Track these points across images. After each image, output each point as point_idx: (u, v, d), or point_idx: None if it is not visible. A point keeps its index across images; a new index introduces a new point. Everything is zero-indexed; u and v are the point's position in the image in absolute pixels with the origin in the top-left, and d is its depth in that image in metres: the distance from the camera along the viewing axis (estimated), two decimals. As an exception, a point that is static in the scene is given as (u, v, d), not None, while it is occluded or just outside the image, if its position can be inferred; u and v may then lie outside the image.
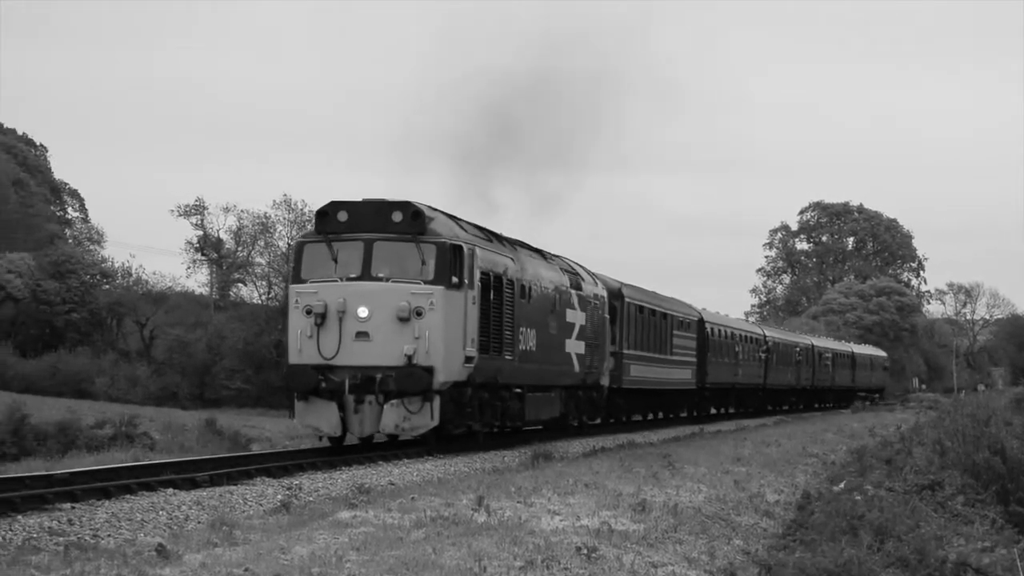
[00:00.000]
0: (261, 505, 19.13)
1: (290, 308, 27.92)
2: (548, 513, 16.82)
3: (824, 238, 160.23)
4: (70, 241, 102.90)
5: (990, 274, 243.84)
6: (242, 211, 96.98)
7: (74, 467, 25.24)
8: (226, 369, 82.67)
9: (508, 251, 32.12)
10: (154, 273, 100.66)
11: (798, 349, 76.16)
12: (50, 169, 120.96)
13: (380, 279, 27.26)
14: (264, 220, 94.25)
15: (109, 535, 16.08)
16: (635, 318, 45.63)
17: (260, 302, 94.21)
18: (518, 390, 32.27)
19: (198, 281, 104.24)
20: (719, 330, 59.20)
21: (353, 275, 27.37)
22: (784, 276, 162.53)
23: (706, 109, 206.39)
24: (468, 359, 28.28)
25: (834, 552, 16.37)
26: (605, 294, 41.25)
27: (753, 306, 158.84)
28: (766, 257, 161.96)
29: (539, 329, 33.57)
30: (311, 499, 19.86)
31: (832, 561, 15.88)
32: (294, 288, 27.86)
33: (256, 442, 42.57)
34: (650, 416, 52.03)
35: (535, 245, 35.96)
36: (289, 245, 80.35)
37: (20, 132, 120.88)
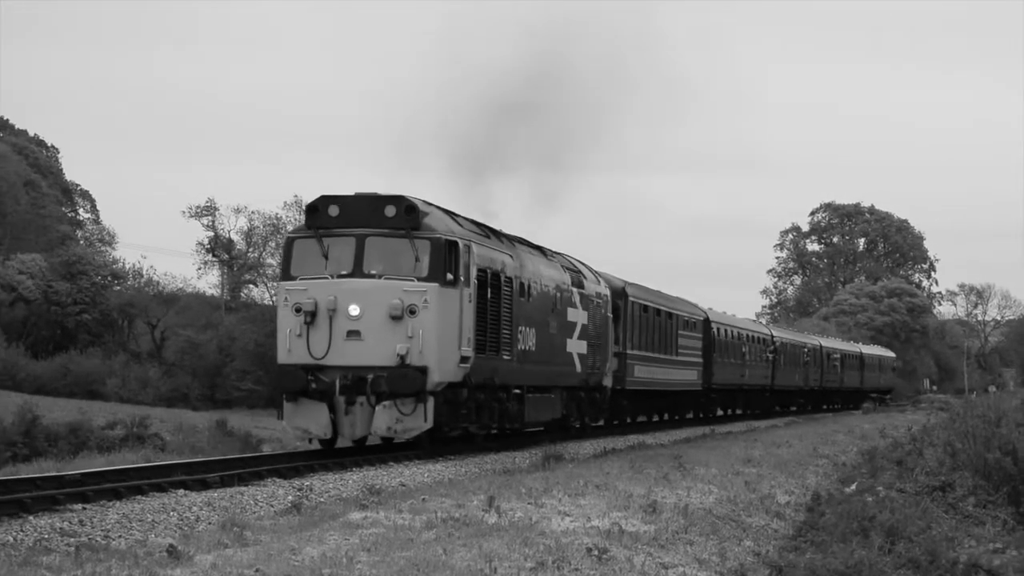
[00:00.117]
0: (272, 506, 19.13)
1: (279, 306, 27.20)
2: (559, 514, 16.81)
3: (835, 239, 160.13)
4: (81, 242, 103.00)
5: (1001, 275, 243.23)
6: (253, 212, 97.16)
7: (85, 468, 25.29)
8: (237, 370, 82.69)
9: (506, 248, 31.16)
10: (165, 274, 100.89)
11: (806, 349, 75.40)
12: (61, 170, 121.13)
13: (372, 276, 26.42)
14: (275, 221, 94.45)
15: (120, 536, 16.10)
16: (639, 317, 44.92)
17: (271, 303, 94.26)
18: (517, 391, 31.36)
19: (209, 282, 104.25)
20: (725, 330, 58.48)
21: (344, 272, 26.54)
22: (795, 277, 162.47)
23: (715, 109, 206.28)
24: (464, 359, 27.33)
25: (845, 553, 16.37)
26: (608, 293, 40.40)
27: (764, 307, 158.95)
28: (777, 258, 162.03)
29: (539, 328, 32.69)
30: (322, 500, 19.85)
31: (843, 562, 15.88)
32: (283, 285, 27.12)
33: (267, 443, 42.61)
34: (655, 418, 51.27)
35: (536, 242, 35.15)
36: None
37: (32, 133, 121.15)
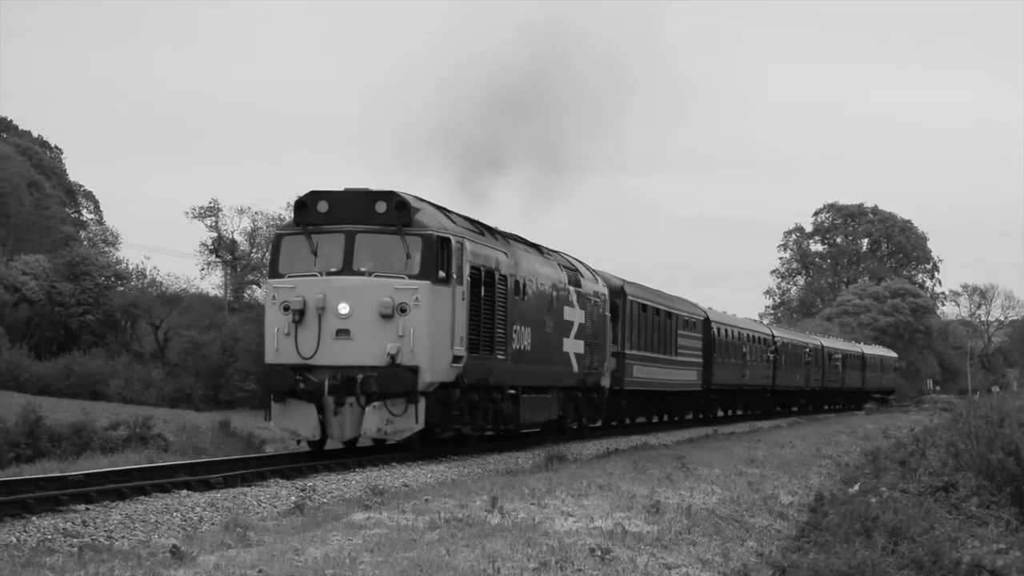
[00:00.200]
0: (275, 506, 19.14)
1: (266, 304, 26.65)
2: (562, 514, 16.81)
3: (838, 239, 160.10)
4: (85, 243, 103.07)
5: (1005, 276, 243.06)
6: (256, 213, 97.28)
7: (88, 469, 25.28)
8: (240, 371, 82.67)
9: (501, 245, 30.56)
10: (168, 275, 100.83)
11: (807, 350, 74.95)
12: (65, 171, 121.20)
13: (362, 273, 25.87)
14: (278, 222, 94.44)
15: (123, 536, 16.11)
16: (638, 317, 44.46)
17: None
18: (512, 391, 30.77)
19: (212, 283, 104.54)
20: (726, 330, 58.05)
21: (333, 269, 26.01)
22: (798, 278, 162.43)
23: (718, 109, 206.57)
24: (456, 359, 26.85)
25: (848, 554, 16.36)
26: (606, 292, 39.88)
27: (767, 307, 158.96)
28: (780, 259, 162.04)
29: (534, 327, 32.07)
30: (325, 500, 19.86)
31: (846, 563, 15.87)
32: (271, 283, 26.50)
33: (270, 443, 42.59)
34: (655, 419, 50.77)
35: (532, 240, 34.61)
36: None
37: (35, 135, 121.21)
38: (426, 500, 17.96)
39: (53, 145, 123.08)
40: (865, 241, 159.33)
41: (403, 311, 25.51)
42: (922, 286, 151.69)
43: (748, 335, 62.34)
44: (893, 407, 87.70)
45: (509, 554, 13.57)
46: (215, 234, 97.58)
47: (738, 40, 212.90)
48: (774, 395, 68.74)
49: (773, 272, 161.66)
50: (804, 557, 16.65)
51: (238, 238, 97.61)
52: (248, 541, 14.42)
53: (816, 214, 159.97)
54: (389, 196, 26.26)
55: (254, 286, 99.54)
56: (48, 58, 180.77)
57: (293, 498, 19.64)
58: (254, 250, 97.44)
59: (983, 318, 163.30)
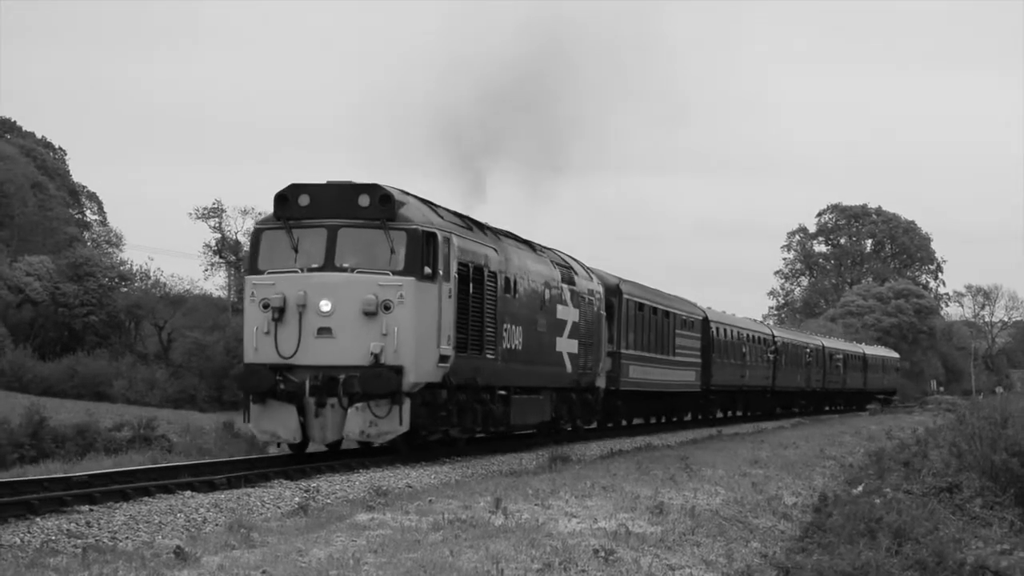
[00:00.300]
0: (279, 507, 19.15)
1: (246, 302, 25.72)
2: (565, 515, 16.81)
3: (842, 240, 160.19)
4: (88, 244, 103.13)
5: (1009, 276, 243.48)
6: (260, 213, 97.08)
7: (92, 469, 25.29)
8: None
9: (491, 241, 29.59)
10: (172, 276, 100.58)
11: (808, 350, 74.26)
12: (68, 172, 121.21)
13: (344, 269, 24.98)
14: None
15: (127, 537, 16.12)
16: (634, 316, 43.68)
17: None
18: (502, 392, 29.94)
19: (216, 284, 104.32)
20: (725, 330, 57.35)
21: (315, 265, 25.09)
22: (802, 278, 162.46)
23: (720, 111, 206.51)
24: (443, 358, 25.98)
25: (852, 555, 16.36)
26: (601, 290, 39.02)
27: (771, 308, 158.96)
28: (784, 259, 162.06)
29: (526, 326, 31.18)
30: (328, 501, 19.86)
31: (850, 564, 15.87)
32: (250, 280, 25.49)
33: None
34: (652, 420, 49.96)
35: (525, 237, 33.80)
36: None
37: (39, 135, 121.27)
38: (430, 501, 17.97)
39: (57, 146, 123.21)
40: (869, 242, 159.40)
41: (387, 309, 24.72)
42: (926, 287, 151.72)
43: (748, 335, 61.65)
44: (897, 408, 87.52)
45: (513, 555, 13.57)
46: (219, 235, 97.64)
47: (741, 40, 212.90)
48: (774, 396, 68.09)
49: (777, 273, 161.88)
50: (808, 558, 16.65)
51: (242, 239, 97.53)
52: (252, 542, 14.42)
53: (820, 215, 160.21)
54: (372, 189, 25.41)
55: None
56: (50, 59, 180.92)
57: (297, 499, 19.65)
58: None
59: (987, 319, 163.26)
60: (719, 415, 59.62)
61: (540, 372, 32.60)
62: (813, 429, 50.59)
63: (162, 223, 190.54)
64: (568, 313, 34.85)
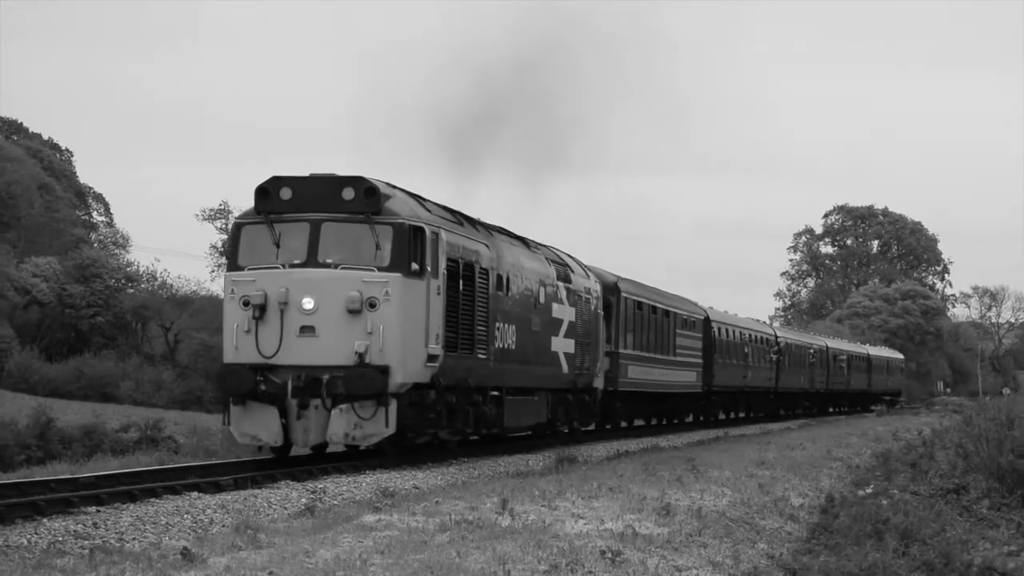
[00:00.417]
0: (285, 508, 19.15)
1: (225, 299, 24.78)
2: (572, 517, 16.80)
3: (848, 241, 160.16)
4: (95, 245, 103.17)
5: (1015, 277, 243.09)
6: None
7: (99, 471, 25.33)
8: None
9: (482, 236, 28.66)
10: (179, 277, 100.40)
11: (811, 351, 73.69)
12: (75, 173, 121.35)
13: (328, 265, 24.05)
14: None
15: (134, 538, 16.12)
16: (633, 315, 42.90)
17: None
18: (495, 393, 29.01)
19: (223, 285, 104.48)
20: (727, 330, 56.69)
21: (297, 261, 24.15)
22: (808, 280, 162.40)
23: (724, 111, 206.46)
24: (431, 357, 25.03)
25: (859, 556, 16.35)
26: (599, 288, 38.16)
27: (777, 309, 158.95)
28: (790, 260, 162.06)
29: (519, 325, 30.25)
30: (335, 503, 19.86)
31: (857, 565, 15.86)
32: (230, 276, 24.63)
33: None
34: (653, 422, 49.30)
35: (519, 233, 32.98)
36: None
37: (46, 137, 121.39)
38: (436, 502, 17.96)
39: (63, 147, 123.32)
40: (875, 243, 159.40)
41: (372, 306, 23.79)
42: (932, 288, 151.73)
43: (750, 335, 61.04)
44: (904, 409, 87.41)
45: (519, 556, 13.57)
46: (225, 236, 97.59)
47: (741, 40, 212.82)
48: (777, 397, 67.43)
49: (783, 274, 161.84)
50: (815, 559, 16.65)
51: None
52: (259, 543, 14.43)
53: (826, 216, 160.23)
54: (357, 182, 24.45)
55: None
56: (50, 59, 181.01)
57: (304, 500, 19.64)
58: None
59: (993, 320, 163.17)
60: (721, 417, 59.13)
61: (535, 372, 31.80)
62: (819, 430, 50.51)
63: (163, 223, 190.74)
64: (564, 312, 34.05)
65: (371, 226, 24.22)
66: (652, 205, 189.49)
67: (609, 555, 13.89)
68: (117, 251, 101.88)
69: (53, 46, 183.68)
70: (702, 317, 53.50)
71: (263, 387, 23.88)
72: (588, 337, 36.28)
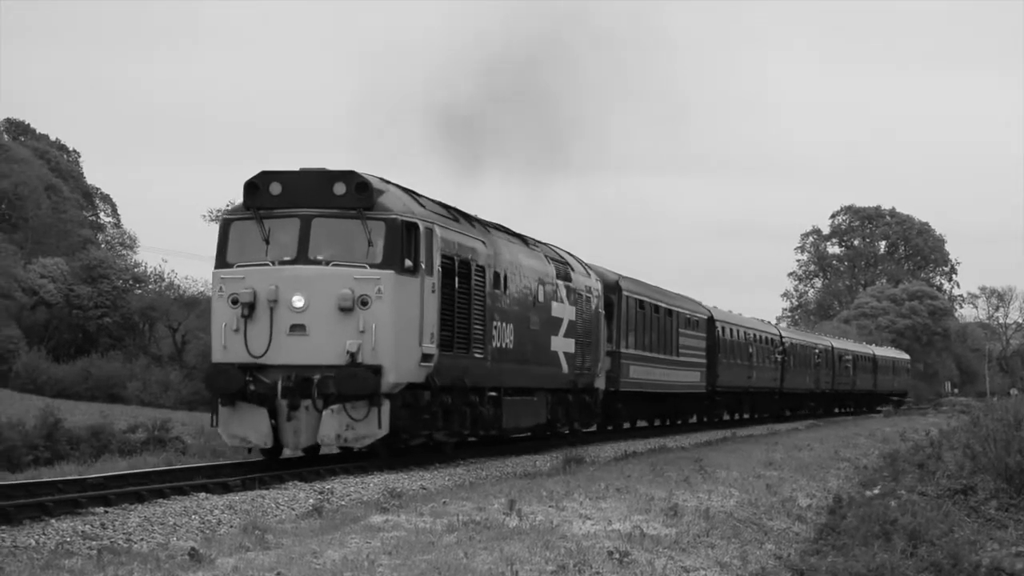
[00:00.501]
0: (293, 509, 19.15)
1: (213, 297, 24.27)
2: (580, 517, 16.80)
3: (856, 242, 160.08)
4: (103, 246, 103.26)
5: (1023, 278, 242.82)
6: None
7: (107, 471, 25.33)
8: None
9: (479, 233, 28.12)
10: (186, 278, 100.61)
11: (817, 351, 73.34)
12: (82, 174, 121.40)
13: (319, 262, 23.52)
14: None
15: (142, 539, 16.13)
16: (635, 314, 42.41)
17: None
18: (493, 394, 28.52)
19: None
20: (731, 329, 56.17)
21: (287, 258, 23.64)
22: (816, 280, 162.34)
23: (730, 111, 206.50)
24: (426, 357, 24.49)
25: (867, 557, 16.33)
26: (600, 287, 37.64)
27: (784, 310, 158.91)
28: (797, 261, 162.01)
29: (518, 324, 29.71)
30: (343, 503, 19.86)
31: (865, 566, 15.84)
32: (218, 273, 24.04)
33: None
34: (656, 423, 48.88)
35: (517, 231, 32.49)
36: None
37: (53, 138, 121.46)
38: (444, 503, 17.96)
39: (70, 148, 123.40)
40: (882, 243, 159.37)
41: (364, 304, 23.24)
42: (940, 288, 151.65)
43: (755, 335, 60.60)
44: (911, 410, 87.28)
45: (527, 557, 13.56)
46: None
47: (742, 40, 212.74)
48: (782, 398, 67.02)
49: (790, 275, 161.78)
50: (822, 560, 16.63)
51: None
52: (266, 543, 14.44)
53: (833, 216, 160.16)
54: (348, 176, 23.90)
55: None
56: (50, 59, 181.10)
57: (311, 501, 19.65)
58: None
59: (1001, 320, 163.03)
60: (725, 418, 58.72)
61: (534, 372, 31.28)
62: (826, 431, 50.46)
63: (176, 225, 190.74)
64: (564, 310, 33.56)
65: (363, 222, 23.73)
66: (653, 205, 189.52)
67: (617, 556, 13.88)
68: (124, 252, 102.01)
69: (48, 45, 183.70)
70: (706, 316, 53.06)
71: (252, 387, 23.41)
72: (589, 336, 35.84)
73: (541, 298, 31.74)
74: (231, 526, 17.30)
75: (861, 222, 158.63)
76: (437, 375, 25.21)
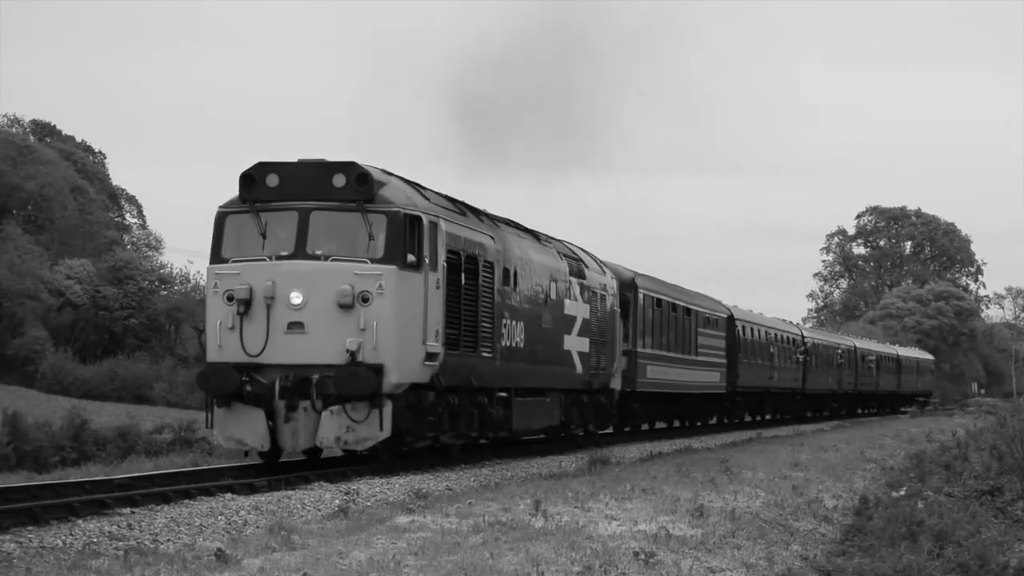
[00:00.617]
0: (319, 510, 19.17)
1: (208, 294, 23.40)
2: (605, 518, 16.79)
3: (881, 242, 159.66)
4: (128, 247, 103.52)
5: (1017, 277, 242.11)
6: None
7: (133, 472, 25.40)
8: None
9: (487, 228, 27.07)
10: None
11: (839, 351, 72.57)
12: (108, 175, 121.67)
13: (317, 257, 22.58)
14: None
15: (168, 540, 16.17)
16: (652, 312, 41.48)
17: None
18: (503, 394, 27.57)
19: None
20: (752, 329, 55.38)
21: (284, 253, 22.72)
22: (841, 281, 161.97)
23: (755, 111, 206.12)
24: (430, 356, 23.54)
25: (893, 558, 16.29)
26: (615, 284, 36.64)
27: (810, 311, 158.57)
28: (823, 261, 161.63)
29: (528, 322, 28.78)
30: (369, 504, 19.87)
31: (891, 567, 15.80)
32: (213, 269, 23.13)
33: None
34: (675, 424, 47.95)
35: (529, 226, 31.54)
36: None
37: (79, 139, 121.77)
38: (470, 503, 17.96)
39: (96, 149, 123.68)
40: (908, 244, 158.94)
41: (365, 300, 22.31)
42: (966, 289, 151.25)
43: (776, 335, 59.79)
44: (937, 410, 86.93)
45: (553, 558, 13.56)
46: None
47: (753, 42, 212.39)
48: (804, 398, 66.17)
49: (816, 275, 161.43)
50: (849, 561, 16.60)
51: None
52: (292, 544, 14.46)
53: (859, 217, 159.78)
54: (348, 167, 22.96)
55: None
56: (50, 59, 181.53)
57: (337, 501, 19.67)
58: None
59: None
60: (747, 419, 58.11)
61: (546, 372, 30.33)
62: (852, 432, 50.29)
63: (201, 226, 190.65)
64: (577, 308, 32.61)
65: (363, 215, 22.83)
66: (676, 205, 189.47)
67: (643, 556, 13.87)
68: (150, 253, 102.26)
69: (48, 45, 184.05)
70: (725, 315, 52.31)
71: (249, 388, 22.58)
72: (604, 335, 34.94)
73: (553, 295, 30.86)
74: (257, 527, 17.32)
75: (887, 223, 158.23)
76: (443, 375, 24.29)
